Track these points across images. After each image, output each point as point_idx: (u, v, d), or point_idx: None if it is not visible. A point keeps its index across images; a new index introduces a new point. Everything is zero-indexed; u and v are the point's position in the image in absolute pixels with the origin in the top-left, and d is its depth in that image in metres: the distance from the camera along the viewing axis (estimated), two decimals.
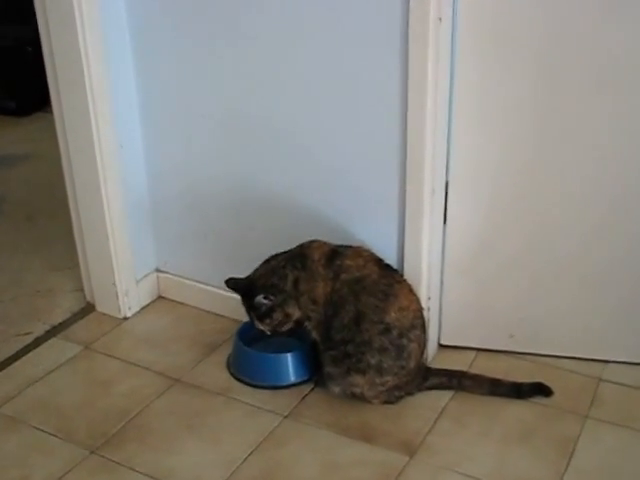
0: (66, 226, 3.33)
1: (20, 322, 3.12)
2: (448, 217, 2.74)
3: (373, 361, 2.54)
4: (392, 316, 2.53)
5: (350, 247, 2.64)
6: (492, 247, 2.76)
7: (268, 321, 2.65)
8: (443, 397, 2.67)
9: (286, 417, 2.62)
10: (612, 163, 2.60)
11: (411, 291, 2.61)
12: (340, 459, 2.44)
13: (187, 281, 3.22)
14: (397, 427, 2.56)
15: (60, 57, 2.82)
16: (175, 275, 3.25)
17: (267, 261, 2.68)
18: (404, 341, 2.55)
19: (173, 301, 3.26)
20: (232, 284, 2.71)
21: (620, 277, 2.72)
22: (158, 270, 3.28)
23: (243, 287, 2.68)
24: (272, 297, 2.61)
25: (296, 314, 2.64)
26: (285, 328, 2.69)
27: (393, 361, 2.55)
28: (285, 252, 2.67)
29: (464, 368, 2.77)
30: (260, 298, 2.61)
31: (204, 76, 2.86)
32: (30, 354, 2.96)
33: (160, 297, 3.29)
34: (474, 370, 2.77)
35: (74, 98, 2.85)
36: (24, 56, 5.25)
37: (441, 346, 2.90)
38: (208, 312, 3.17)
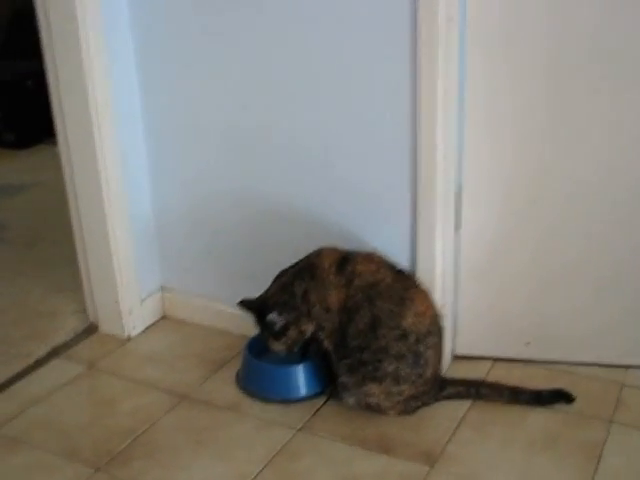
0: (67, 252, 3.24)
1: (22, 343, 2.96)
2: (462, 223, 2.61)
3: (390, 369, 2.38)
4: (409, 321, 2.38)
5: (360, 253, 2.50)
6: (506, 252, 2.63)
7: (283, 340, 2.50)
8: (461, 407, 2.52)
9: (299, 430, 2.45)
10: (625, 165, 2.48)
11: (427, 296, 2.47)
12: (358, 471, 2.28)
13: (192, 299, 3.08)
14: (415, 437, 2.40)
15: (64, 80, 2.73)
16: (180, 293, 3.10)
17: (278, 277, 2.54)
18: (421, 348, 2.39)
19: (178, 320, 3.11)
20: (246, 305, 2.55)
21: (637, 279, 2.58)
22: (163, 289, 3.12)
23: (256, 307, 2.53)
24: (284, 314, 2.46)
25: (310, 329, 2.49)
26: (298, 345, 2.54)
27: (410, 369, 2.39)
28: (294, 264, 2.53)
29: (480, 378, 2.62)
30: (273, 315, 2.46)
31: (207, 91, 2.76)
32: (32, 374, 2.79)
33: (164, 316, 3.14)
34: (490, 380, 2.61)
35: (78, 118, 2.75)
36: (24, 90, 5.25)
37: (456, 357, 2.74)
38: (214, 329, 3.01)
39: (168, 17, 2.71)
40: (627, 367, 2.63)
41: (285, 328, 2.47)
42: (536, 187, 2.54)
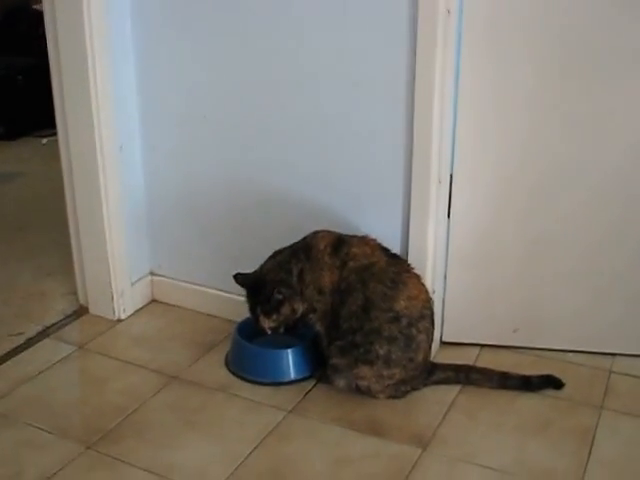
0: (56, 237, 3.19)
1: (12, 323, 2.85)
2: (452, 211, 2.52)
3: (382, 351, 2.29)
4: (401, 304, 2.29)
5: (355, 235, 2.41)
6: (495, 241, 2.55)
7: (275, 316, 2.41)
8: (451, 391, 2.44)
9: (290, 412, 2.36)
10: (620, 155, 2.41)
11: (419, 280, 2.39)
12: (350, 453, 2.19)
13: (182, 283, 2.97)
14: (406, 421, 2.32)
15: (66, 64, 2.63)
16: (170, 277, 2.99)
17: (273, 256, 2.46)
18: (413, 331, 2.31)
19: (167, 304, 3.00)
20: (240, 279, 2.46)
21: (627, 270, 2.51)
22: (152, 273, 3.02)
23: (251, 282, 2.44)
24: (284, 291, 2.35)
25: (301, 309, 2.41)
26: (286, 326, 2.44)
27: (402, 352, 2.30)
28: (290, 246, 2.45)
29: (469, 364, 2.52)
30: (276, 292, 2.36)
31: (203, 77, 2.67)
32: (22, 354, 2.68)
33: (154, 300, 3.03)
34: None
35: (78, 104, 2.66)
36: (15, 85, 5.13)
37: (443, 343, 2.65)
38: (203, 314, 2.91)
39: (168, 3, 2.63)
40: (614, 355, 2.57)
41: (280, 305, 2.37)
42: (528, 177, 2.46)
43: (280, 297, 2.36)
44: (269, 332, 2.45)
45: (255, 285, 2.42)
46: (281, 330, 2.45)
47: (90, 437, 2.24)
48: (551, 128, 2.39)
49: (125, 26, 2.67)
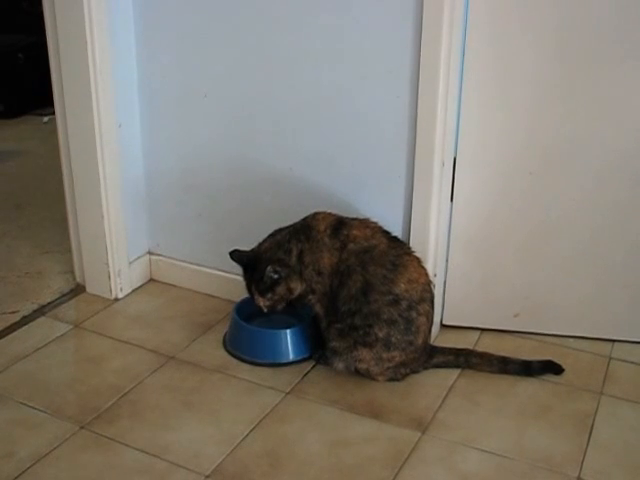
0: (53, 215, 3.17)
1: (7, 301, 2.79)
2: (455, 194, 2.46)
3: (381, 334, 2.23)
4: (401, 287, 2.23)
5: (356, 218, 2.35)
6: (498, 225, 2.50)
7: (270, 295, 2.34)
8: (450, 375, 2.38)
9: (288, 394, 2.30)
10: (624, 138, 2.35)
11: (420, 264, 2.32)
12: (349, 435, 2.13)
13: (180, 263, 2.92)
14: (405, 404, 2.26)
15: (63, 37, 2.56)
16: (167, 257, 2.94)
17: (272, 235, 2.39)
18: (413, 314, 2.24)
19: (165, 283, 2.94)
20: (236, 256, 2.40)
21: (629, 256, 2.46)
22: (150, 253, 2.96)
23: (248, 260, 2.38)
24: (279, 269, 2.28)
25: (298, 289, 2.34)
26: (284, 304, 2.38)
27: (401, 335, 2.24)
28: (290, 226, 2.38)
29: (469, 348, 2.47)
30: (270, 270, 2.28)
31: (204, 55, 2.60)
32: (17, 332, 2.62)
33: (152, 279, 2.97)
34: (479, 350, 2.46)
35: (77, 83, 2.60)
36: (15, 62, 5.09)
37: (444, 326, 2.60)
38: (201, 293, 2.86)
39: None
40: (614, 341, 2.52)
41: (275, 284, 2.31)
42: (530, 161, 2.40)
43: (275, 276, 2.29)
44: (265, 310, 2.39)
45: (251, 263, 2.35)
46: (279, 309, 2.39)
47: (85, 417, 2.18)
48: (556, 113, 2.33)
49: (126, 4, 2.60)
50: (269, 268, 2.28)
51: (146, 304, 2.80)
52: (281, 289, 2.32)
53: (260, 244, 2.38)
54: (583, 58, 2.27)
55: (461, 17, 2.24)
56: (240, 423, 2.17)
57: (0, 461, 2.02)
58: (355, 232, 2.29)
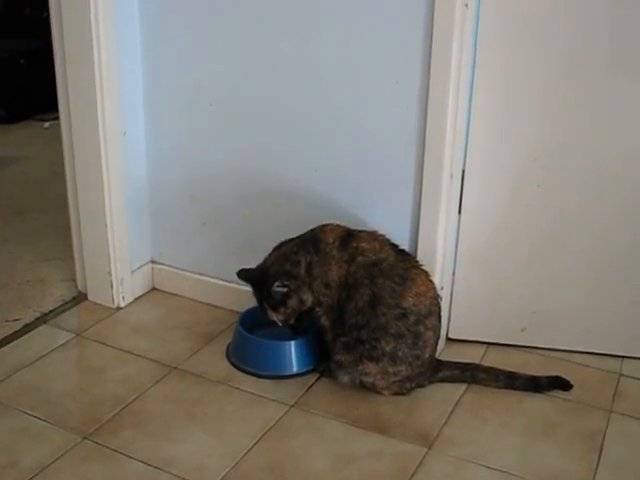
0: (56, 221, 3.14)
1: (9, 309, 2.78)
2: (462, 207, 2.46)
3: (388, 348, 2.23)
4: (409, 301, 2.23)
5: (364, 230, 2.35)
6: (505, 238, 2.49)
7: (282, 310, 2.34)
8: (456, 390, 2.37)
9: (292, 407, 2.30)
10: (632, 151, 2.33)
11: (428, 277, 2.32)
12: (353, 450, 2.12)
13: (183, 272, 2.91)
14: (411, 418, 2.25)
15: (70, 44, 2.56)
16: (170, 266, 2.93)
17: (277, 248, 2.38)
18: (421, 328, 2.24)
19: (167, 292, 2.93)
20: (244, 275, 2.40)
21: (637, 271, 2.43)
22: (153, 261, 2.95)
23: (255, 277, 2.37)
24: (287, 283, 2.28)
25: (310, 300, 2.33)
26: (296, 317, 2.38)
27: (409, 349, 2.24)
28: (296, 237, 2.37)
29: (475, 362, 2.45)
30: (277, 285, 2.28)
31: (210, 64, 2.60)
32: (19, 340, 2.61)
33: (154, 289, 2.96)
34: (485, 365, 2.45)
35: (82, 90, 2.59)
36: (17, 68, 5.08)
37: (449, 340, 2.59)
38: (204, 303, 2.85)
39: None
40: (623, 357, 2.50)
41: (286, 297, 2.31)
42: (539, 174, 2.39)
43: (283, 290, 2.28)
44: (280, 325, 2.39)
45: (259, 279, 2.35)
46: (292, 321, 2.38)
47: (87, 427, 2.17)
48: (564, 126, 2.32)
49: (132, 11, 2.60)
50: (276, 284, 2.28)
51: (148, 313, 2.79)
52: (293, 302, 2.32)
53: (266, 259, 2.37)
54: (590, 73, 2.27)
55: (471, 29, 2.24)
56: (244, 436, 2.16)
57: (2, 471, 2.01)
58: (364, 245, 2.28)
